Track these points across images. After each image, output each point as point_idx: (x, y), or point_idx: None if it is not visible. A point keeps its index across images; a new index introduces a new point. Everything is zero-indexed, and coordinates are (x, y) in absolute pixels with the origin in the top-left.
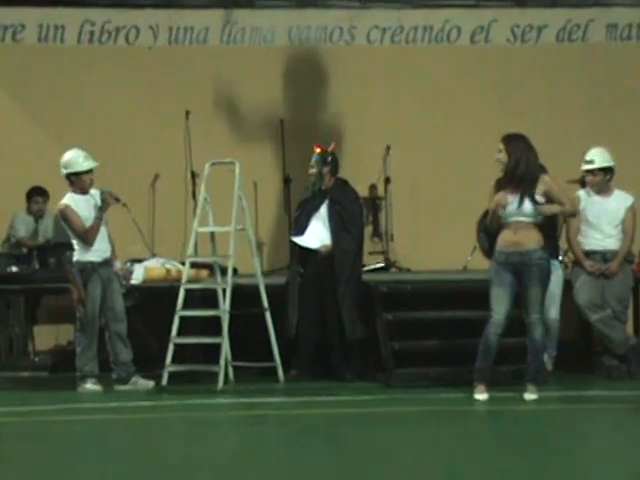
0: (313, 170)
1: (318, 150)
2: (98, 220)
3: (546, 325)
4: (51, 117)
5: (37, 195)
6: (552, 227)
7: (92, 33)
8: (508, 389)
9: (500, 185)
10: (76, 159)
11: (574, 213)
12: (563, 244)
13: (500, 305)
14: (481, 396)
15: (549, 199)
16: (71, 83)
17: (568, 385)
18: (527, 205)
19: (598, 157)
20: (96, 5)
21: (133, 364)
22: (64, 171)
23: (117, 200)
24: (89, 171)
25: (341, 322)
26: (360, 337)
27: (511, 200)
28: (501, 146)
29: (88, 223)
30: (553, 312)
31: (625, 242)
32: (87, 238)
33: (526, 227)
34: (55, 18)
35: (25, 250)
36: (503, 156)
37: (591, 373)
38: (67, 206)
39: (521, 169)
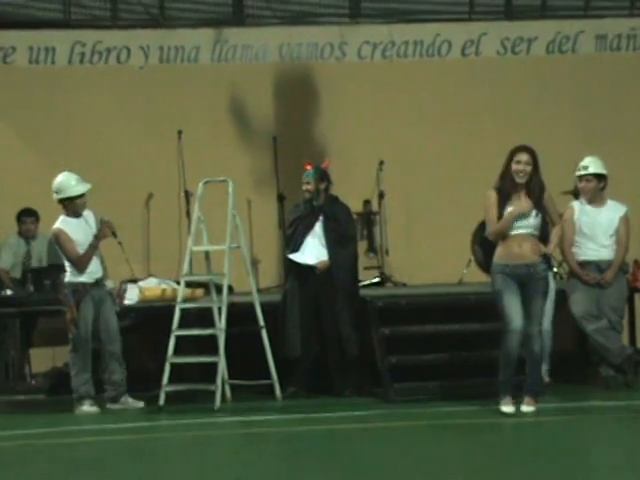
0: (309, 187)
1: (309, 167)
2: (93, 248)
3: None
4: (43, 138)
5: (25, 216)
6: (543, 240)
7: (83, 54)
8: None
9: (504, 195)
10: (67, 183)
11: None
12: (558, 255)
13: (516, 312)
14: (507, 408)
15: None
16: (63, 104)
17: (565, 396)
18: (536, 217)
19: (592, 164)
20: (86, 26)
21: (125, 384)
22: (56, 196)
23: (114, 235)
24: (82, 195)
25: (339, 338)
26: (357, 353)
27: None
28: (525, 157)
29: (81, 246)
30: (545, 323)
31: (619, 252)
32: (80, 265)
33: (530, 239)
34: (46, 40)
35: (19, 275)
36: (530, 168)
37: (588, 384)
38: (61, 231)
39: (534, 182)
